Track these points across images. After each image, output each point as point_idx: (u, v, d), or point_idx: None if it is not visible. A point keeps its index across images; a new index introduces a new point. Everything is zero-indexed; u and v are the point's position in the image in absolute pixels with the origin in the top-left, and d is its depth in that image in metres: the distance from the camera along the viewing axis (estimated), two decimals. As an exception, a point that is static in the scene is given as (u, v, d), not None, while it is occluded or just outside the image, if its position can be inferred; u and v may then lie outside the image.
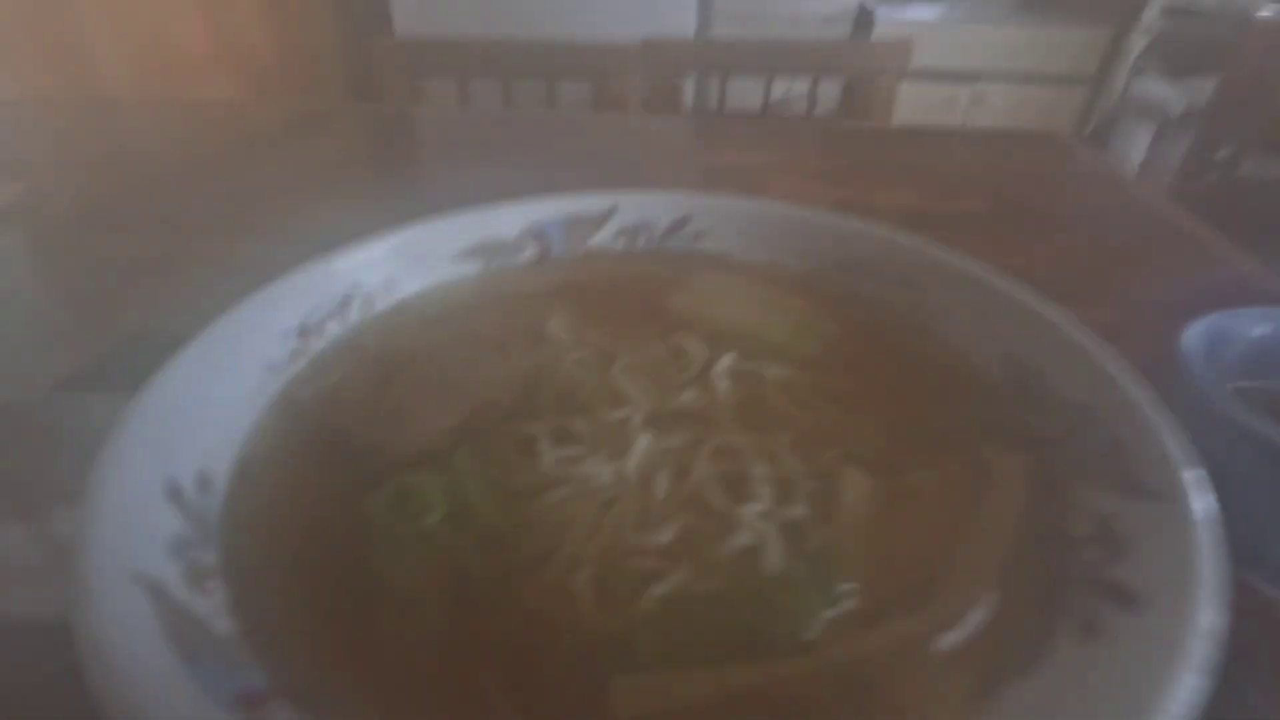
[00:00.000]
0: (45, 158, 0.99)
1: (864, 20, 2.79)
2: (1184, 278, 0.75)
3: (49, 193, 0.84)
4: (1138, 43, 2.81)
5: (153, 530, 0.25)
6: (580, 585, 0.26)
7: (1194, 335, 0.46)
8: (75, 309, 0.65)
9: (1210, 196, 1.97)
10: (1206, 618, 0.21)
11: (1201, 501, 0.25)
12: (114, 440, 0.27)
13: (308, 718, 0.22)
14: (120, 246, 0.73)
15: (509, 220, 0.48)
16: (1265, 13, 2.23)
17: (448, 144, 1.13)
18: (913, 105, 2.43)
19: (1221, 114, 2.07)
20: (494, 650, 0.24)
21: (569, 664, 0.24)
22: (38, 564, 0.38)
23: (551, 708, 0.23)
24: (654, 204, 0.50)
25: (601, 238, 0.50)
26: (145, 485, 0.27)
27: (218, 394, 0.33)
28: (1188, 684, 0.20)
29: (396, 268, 0.44)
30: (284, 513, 0.29)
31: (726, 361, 0.38)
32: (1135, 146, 2.82)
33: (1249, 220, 1.74)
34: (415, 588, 0.26)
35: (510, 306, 0.44)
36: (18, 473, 0.43)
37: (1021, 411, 0.34)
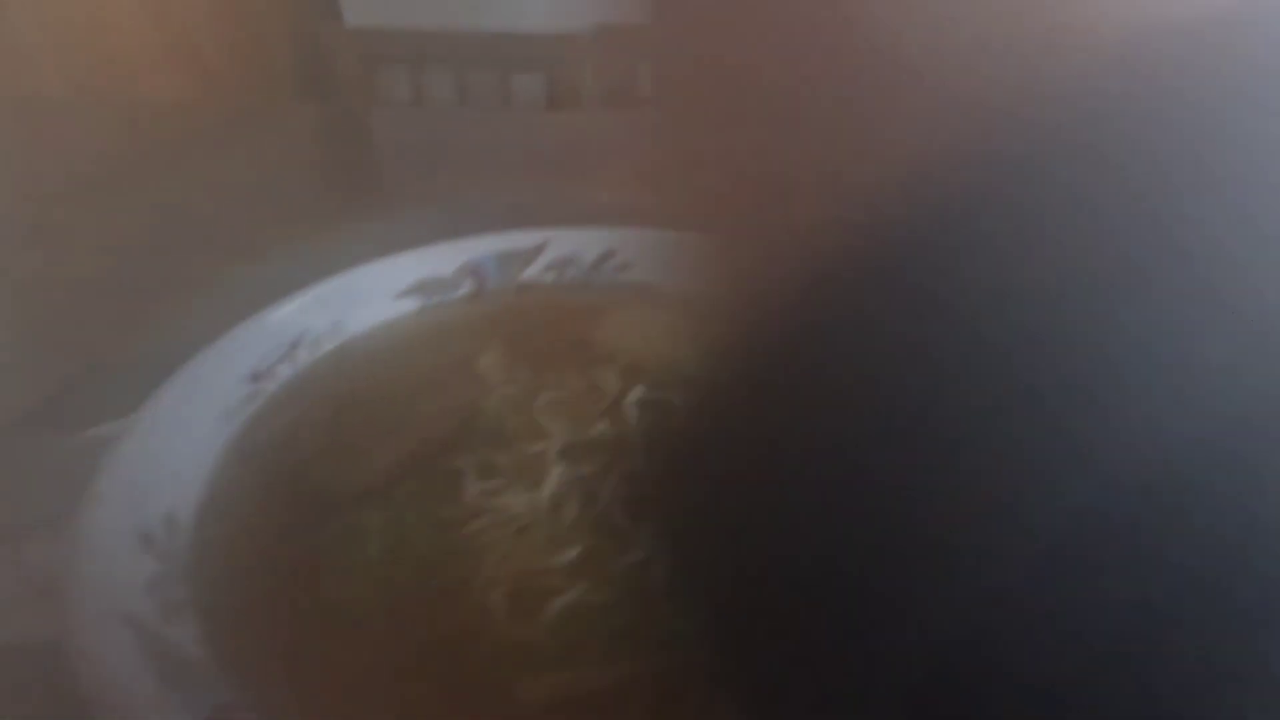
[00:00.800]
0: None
1: None
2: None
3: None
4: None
5: (130, 573, 0.30)
6: (494, 602, 0.31)
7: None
8: (16, 338, 0.62)
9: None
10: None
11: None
12: (90, 494, 0.32)
13: (269, 725, 0.27)
14: (61, 265, 0.70)
15: (446, 259, 0.52)
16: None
17: (403, 146, 1.13)
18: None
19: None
20: (425, 662, 0.30)
21: (484, 669, 0.29)
22: (11, 592, 0.42)
23: (470, 708, 0.28)
24: (582, 239, 0.55)
25: (533, 271, 0.54)
26: (121, 532, 0.31)
27: (179, 440, 0.37)
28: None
29: (341, 310, 0.48)
30: (244, 549, 0.34)
31: (637, 392, 0.43)
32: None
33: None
34: (359, 611, 0.31)
35: (447, 343, 0.49)
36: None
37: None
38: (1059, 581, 0.09)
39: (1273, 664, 0.08)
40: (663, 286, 0.54)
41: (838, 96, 0.12)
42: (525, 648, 0.30)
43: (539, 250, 0.54)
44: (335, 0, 2.48)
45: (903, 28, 0.11)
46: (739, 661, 0.14)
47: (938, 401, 0.10)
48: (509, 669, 0.29)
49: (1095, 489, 0.09)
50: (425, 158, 1.04)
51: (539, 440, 0.40)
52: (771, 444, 0.13)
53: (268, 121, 1.14)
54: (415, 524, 0.35)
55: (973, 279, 0.10)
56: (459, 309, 0.52)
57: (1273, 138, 0.09)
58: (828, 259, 0.12)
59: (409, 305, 0.51)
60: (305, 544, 0.34)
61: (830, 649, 0.12)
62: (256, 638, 0.31)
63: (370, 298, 0.50)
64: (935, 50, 0.11)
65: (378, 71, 1.51)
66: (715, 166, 0.16)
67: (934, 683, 0.10)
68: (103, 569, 0.29)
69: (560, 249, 0.55)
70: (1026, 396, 0.09)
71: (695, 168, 0.18)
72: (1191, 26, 0.10)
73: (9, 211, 0.78)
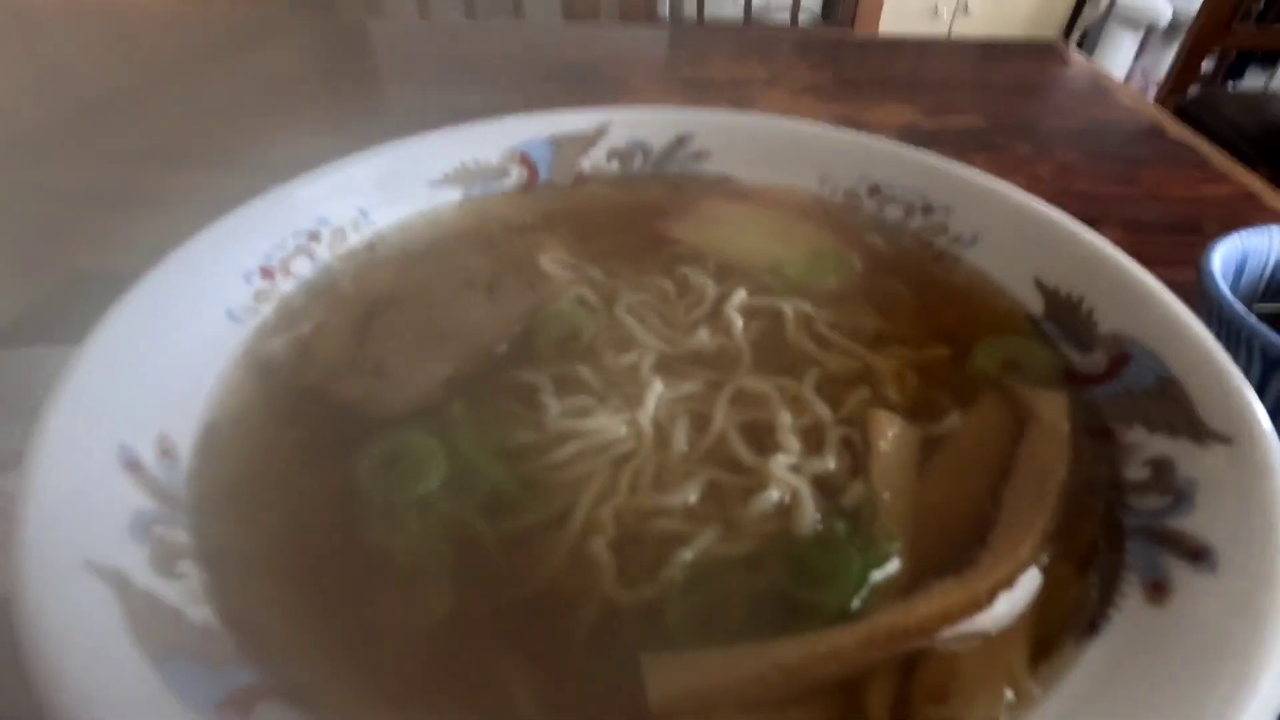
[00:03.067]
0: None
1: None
2: (1190, 196, 0.72)
3: (-35, 117, 0.76)
4: (1129, -54, 2.69)
5: (109, 508, 0.22)
6: (599, 552, 0.23)
7: (1216, 256, 0.43)
8: (10, 247, 0.59)
9: (1194, 111, 1.93)
10: (1288, 574, 0.19)
11: (1275, 443, 0.23)
12: (55, 401, 0.24)
13: (306, 716, 0.19)
14: (53, 177, 0.66)
15: (490, 141, 0.43)
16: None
17: (408, 59, 1.03)
18: (897, 14, 2.31)
19: (1209, 24, 2.01)
20: (506, 631, 0.22)
21: (592, 641, 0.22)
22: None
23: (576, 692, 0.21)
24: (650, 121, 0.45)
25: (592, 159, 0.45)
26: (96, 455, 0.23)
27: (173, 345, 0.29)
28: (1274, 650, 0.18)
29: (367, 197, 0.39)
30: (261, 482, 0.26)
31: (740, 297, 0.35)
32: (1120, 55, 2.75)
33: (1232, 133, 1.72)
34: (416, 563, 0.24)
35: (497, 240, 0.40)
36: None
37: (1060, 344, 0.32)
38: None
39: None
40: (748, 179, 0.45)
41: None
42: (646, 613, 0.22)
43: (600, 133, 0.45)
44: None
45: None
46: None
47: None
48: (627, 644, 0.21)
49: None
50: (431, 72, 0.94)
51: (627, 350, 0.32)
52: None
53: (268, 35, 1.04)
54: (479, 451, 0.27)
55: None
56: (508, 202, 0.43)
57: None
58: None
59: (448, 195, 0.42)
60: (337, 476, 0.26)
61: None
62: (280, 597, 0.23)
63: (402, 184, 0.40)
64: None
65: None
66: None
67: None
68: (69, 502, 0.21)
69: (624, 133, 0.45)
70: None
71: None
72: None
73: (20, 127, 0.74)
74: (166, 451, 0.26)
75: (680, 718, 0.20)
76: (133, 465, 0.24)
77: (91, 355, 0.26)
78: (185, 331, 0.30)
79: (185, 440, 0.27)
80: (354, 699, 0.20)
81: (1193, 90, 2.07)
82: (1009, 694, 0.20)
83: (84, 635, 0.18)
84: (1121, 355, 0.29)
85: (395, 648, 0.22)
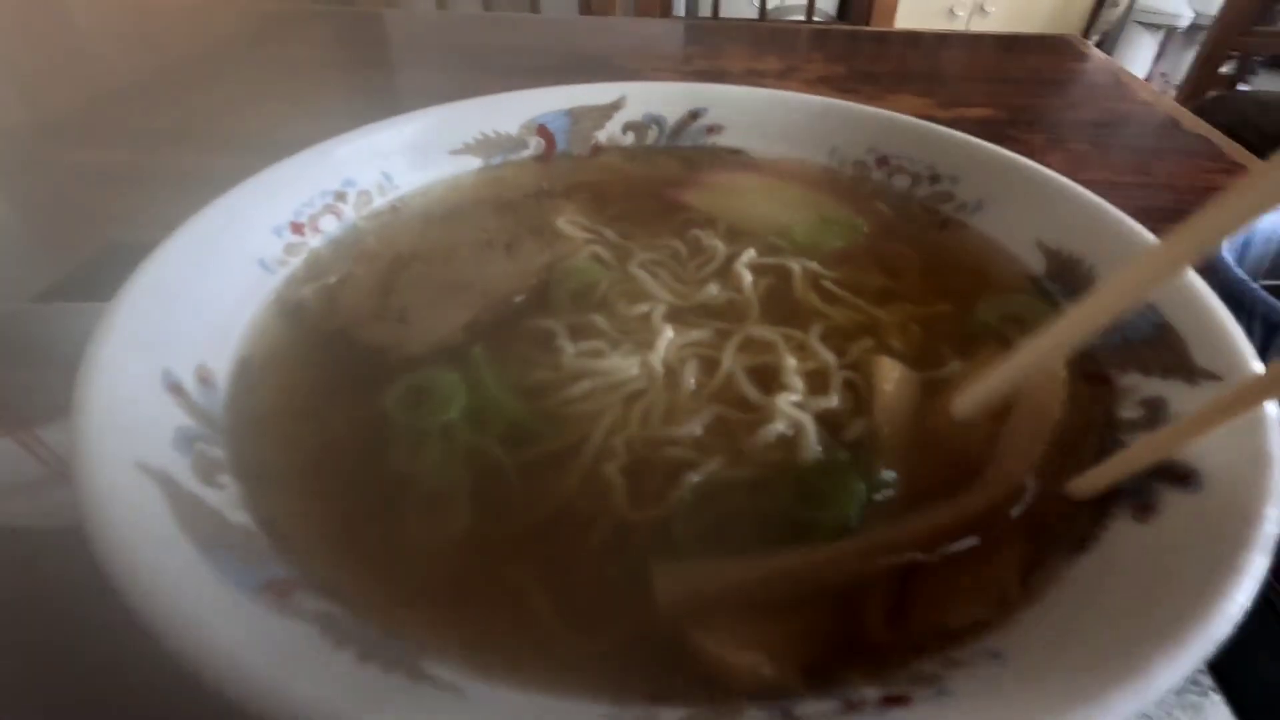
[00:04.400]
0: (-3, 64, 0.92)
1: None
2: (1203, 186, 0.73)
3: (4, 102, 0.79)
4: (1149, -52, 2.68)
5: (155, 422, 0.24)
6: (611, 475, 0.25)
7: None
8: (46, 222, 0.61)
9: (1212, 111, 1.91)
10: (1269, 495, 0.20)
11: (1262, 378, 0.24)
12: (105, 328, 0.25)
13: (337, 606, 0.21)
14: (88, 158, 0.69)
15: (510, 112, 0.45)
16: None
17: (426, 49, 1.06)
18: (913, 15, 2.32)
19: (1229, 27, 2.00)
20: (524, 545, 0.23)
21: (605, 553, 0.23)
22: (32, 477, 0.36)
23: (590, 599, 0.22)
24: (665, 95, 0.47)
25: (608, 132, 0.47)
26: (143, 375, 0.25)
27: (209, 286, 0.30)
28: (1251, 563, 0.19)
29: (392, 161, 0.41)
30: (292, 413, 0.28)
31: (750, 255, 0.36)
32: (1139, 58, 2.73)
33: (1252, 134, 1.71)
34: (438, 484, 0.25)
35: (515, 204, 0.41)
36: (2, 387, 0.41)
37: (1061, 301, 0.33)
38: None
39: None
40: (761, 152, 0.46)
41: None
42: (655, 528, 0.23)
43: (616, 106, 0.46)
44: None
45: None
46: None
47: None
48: (637, 556, 0.23)
49: None
50: (446, 62, 0.96)
51: (640, 301, 0.33)
52: None
53: (290, 26, 1.06)
54: (498, 386, 0.28)
55: None
56: (526, 170, 0.44)
57: None
58: None
59: (469, 163, 0.44)
60: (363, 408, 0.28)
61: None
62: (312, 510, 0.24)
63: (425, 151, 0.42)
64: None
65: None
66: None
67: None
68: (121, 411, 0.23)
69: (640, 106, 0.46)
70: None
71: None
72: None
73: (56, 111, 0.77)
74: (205, 379, 0.27)
75: (686, 619, 0.21)
76: (175, 388, 0.26)
77: (135, 292, 0.27)
78: (220, 276, 0.31)
79: (222, 371, 0.28)
80: (381, 600, 0.22)
81: (1212, 94, 2.06)
82: (1002, 603, 0.21)
83: (140, 525, 0.19)
84: (1119, 307, 0.30)
85: (417, 559, 0.23)
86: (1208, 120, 0.85)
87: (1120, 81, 0.99)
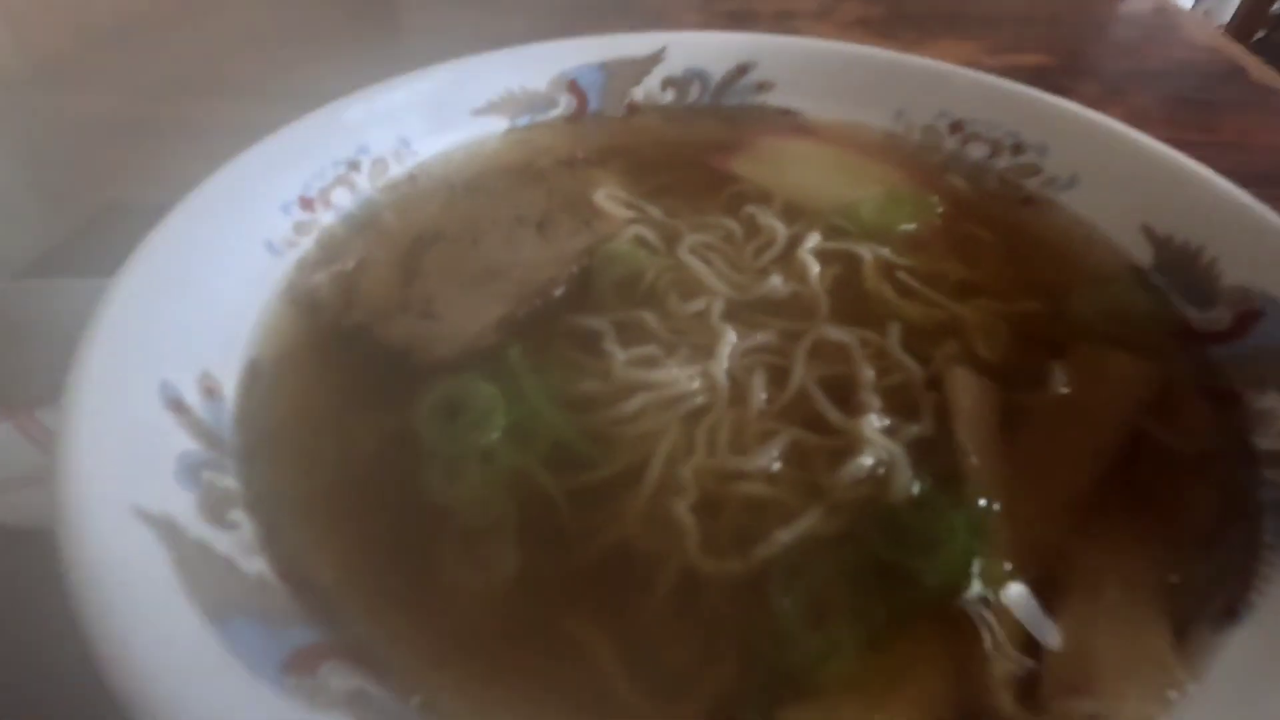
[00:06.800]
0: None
1: None
2: (1278, 144, 0.67)
3: (-2, 47, 0.73)
4: None
5: (154, 451, 0.21)
6: (681, 515, 0.22)
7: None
8: (40, 178, 0.57)
9: (1259, 50, 1.81)
10: None
11: None
12: (93, 338, 0.22)
13: (370, 678, 0.18)
14: (84, 107, 0.64)
15: (539, 66, 0.40)
16: None
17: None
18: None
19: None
20: (584, 589, 0.21)
21: (673, 608, 0.20)
22: (30, 467, 0.34)
23: (665, 661, 0.19)
24: (710, 47, 0.42)
25: (646, 88, 0.42)
26: (139, 394, 0.22)
27: (210, 277, 0.27)
28: None
29: (409, 124, 0.36)
30: (311, 427, 0.24)
31: (814, 240, 0.32)
32: (1184, -3, 2.57)
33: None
34: (481, 516, 0.22)
35: (546, 173, 0.37)
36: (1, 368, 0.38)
37: (1172, 298, 0.29)
38: None
39: None
40: (815, 113, 0.41)
41: None
42: (737, 590, 0.20)
43: (655, 60, 0.41)
44: None
45: None
46: None
47: None
48: (714, 612, 0.20)
49: None
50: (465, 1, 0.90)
51: (694, 295, 0.29)
52: None
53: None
54: (541, 399, 0.25)
55: None
56: (556, 132, 0.40)
57: None
58: None
59: (493, 125, 0.39)
60: (390, 421, 0.25)
61: None
62: (336, 548, 0.21)
63: (444, 111, 0.37)
64: None
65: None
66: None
67: None
68: (113, 443, 0.19)
69: (682, 59, 0.42)
70: None
71: None
72: None
73: (51, 58, 0.71)
74: (211, 390, 0.24)
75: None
76: (176, 404, 0.22)
77: (128, 288, 0.24)
78: (222, 264, 0.28)
79: (229, 378, 0.25)
80: (422, 662, 0.19)
81: (1261, 33, 1.94)
82: (1166, 687, 0.18)
83: (137, 591, 0.17)
84: (1250, 311, 0.26)
85: (459, 608, 0.20)
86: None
87: (1178, 24, 0.92)
